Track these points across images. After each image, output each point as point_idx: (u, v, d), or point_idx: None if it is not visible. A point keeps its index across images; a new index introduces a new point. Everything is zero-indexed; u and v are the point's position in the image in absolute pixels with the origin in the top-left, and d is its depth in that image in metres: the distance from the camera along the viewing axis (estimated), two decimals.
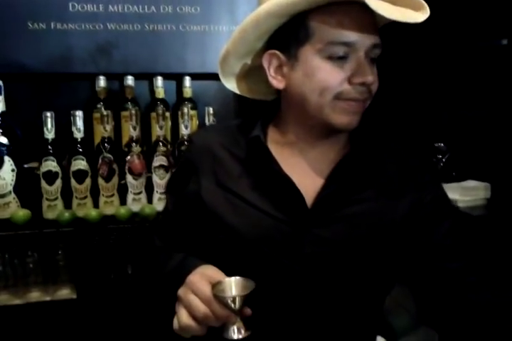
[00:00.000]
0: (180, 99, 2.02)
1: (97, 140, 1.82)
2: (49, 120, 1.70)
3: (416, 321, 1.84)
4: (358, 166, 0.95)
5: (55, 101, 1.93)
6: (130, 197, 1.76)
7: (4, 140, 1.68)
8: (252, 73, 1.03)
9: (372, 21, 0.89)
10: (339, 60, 0.88)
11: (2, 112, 1.69)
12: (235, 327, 0.79)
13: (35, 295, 1.73)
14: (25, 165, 1.77)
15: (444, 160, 2.00)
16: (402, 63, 2.16)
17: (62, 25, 1.89)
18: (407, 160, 1.02)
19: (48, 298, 1.72)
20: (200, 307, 0.78)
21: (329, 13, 0.87)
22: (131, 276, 1.80)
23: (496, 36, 1.84)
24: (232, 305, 0.78)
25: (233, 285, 0.80)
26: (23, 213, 1.67)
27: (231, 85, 1.06)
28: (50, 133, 1.70)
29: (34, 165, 1.76)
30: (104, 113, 1.77)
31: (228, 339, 0.79)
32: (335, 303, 0.95)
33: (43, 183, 1.70)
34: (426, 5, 0.86)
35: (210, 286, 0.79)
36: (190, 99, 2.00)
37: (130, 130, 1.78)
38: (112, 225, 1.69)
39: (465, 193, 1.82)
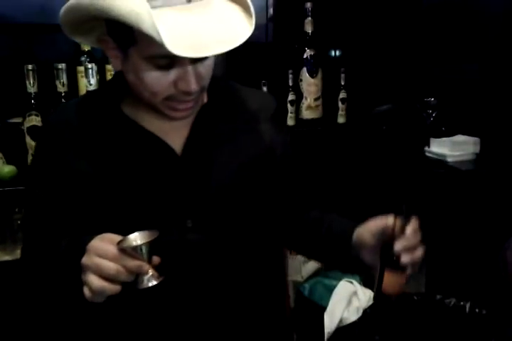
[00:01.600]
0: None
1: (82, 94, 1.78)
2: (31, 73, 1.64)
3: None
4: (217, 113, 1.00)
5: (37, 54, 1.87)
6: None
7: None
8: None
9: None
10: (165, 67, 0.86)
11: None
12: (149, 276, 0.80)
13: None
14: (9, 121, 1.73)
15: (434, 115, 1.99)
16: (392, 16, 2.12)
17: None
18: (264, 103, 1.07)
19: None
20: (111, 265, 0.78)
21: None
22: None
23: None
24: (141, 255, 0.79)
25: (137, 238, 0.81)
26: (8, 169, 1.64)
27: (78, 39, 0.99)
28: (32, 87, 1.65)
29: (18, 120, 1.72)
30: (89, 66, 1.72)
31: (144, 288, 0.80)
32: (234, 243, 1.00)
33: (28, 139, 1.66)
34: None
35: (115, 245, 0.79)
36: None
37: None
38: None
39: (454, 148, 1.82)
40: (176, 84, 0.87)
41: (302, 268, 1.97)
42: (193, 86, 0.87)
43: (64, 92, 1.68)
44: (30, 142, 1.66)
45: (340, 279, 1.91)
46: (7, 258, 1.70)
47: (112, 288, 0.79)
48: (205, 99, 1.00)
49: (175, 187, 0.95)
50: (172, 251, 0.94)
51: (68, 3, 0.87)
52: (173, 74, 0.86)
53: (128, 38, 0.83)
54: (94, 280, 0.78)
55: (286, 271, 1.87)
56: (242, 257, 1.02)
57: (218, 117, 1.00)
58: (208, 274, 0.98)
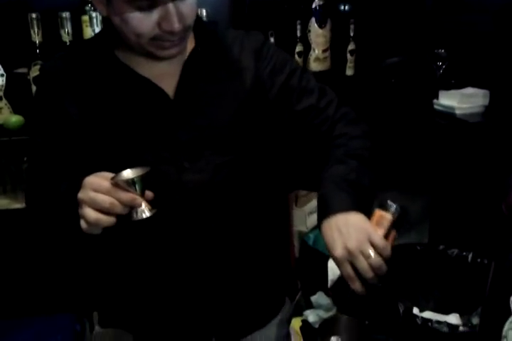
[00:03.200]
0: None
1: None
2: (35, 22, 1.63)
3: (407, 225, 1.90)
4: (206, 57, 1.00)
5: (41, 3, 1.84)
6: None
7: None
8: None
9: None
10: (146, 8, 0.86)
11: None
12: (142, 208, 0.83)
13: None
14: (15, 71, 1.72)
15: (443, 67, 1.96)
16: None
17: None
18: (246, 42, 1.05)
19: None
20: (105, 198, 0.81)
21: None
22: None
23: None
24: (133, 188, 0.81)
25: (130, 174, 0.83)
26: (15, 119, 1.65)
27: None
28: (37, 37, 1.64)
29: (24, 70, 1.71)
30: (93, 15, 1.69)
31: (138, 220, 0.83)
32: (222, 187, 1.00)
33: (34, 88, 1.66)
34: None
35: (108, 180, 0.82)
36: None
37: None
38: None
39: (463, 100, 1.80)
40: (160, 24, 0.88)
41: (307, 219, 2.00)
42: (176, 25, 0.88)
43: (69, 41, 1.67)
44: None
45: None
46: (18, 206, 1.72)
47: (107, 219, 0.81)
48: (193, 44, 1.00)
49: (169, 129, 0.97)
50: (170, 192, 0.96)
51: None
52: (155, 14, 0.87)
53: None
54: (89, 213, 0.81)
55: (292, 221, 1.90)
56: (242, 201, 1.04)
57: (207, 61, 1.01)
58: (210, 217, 1.00)
